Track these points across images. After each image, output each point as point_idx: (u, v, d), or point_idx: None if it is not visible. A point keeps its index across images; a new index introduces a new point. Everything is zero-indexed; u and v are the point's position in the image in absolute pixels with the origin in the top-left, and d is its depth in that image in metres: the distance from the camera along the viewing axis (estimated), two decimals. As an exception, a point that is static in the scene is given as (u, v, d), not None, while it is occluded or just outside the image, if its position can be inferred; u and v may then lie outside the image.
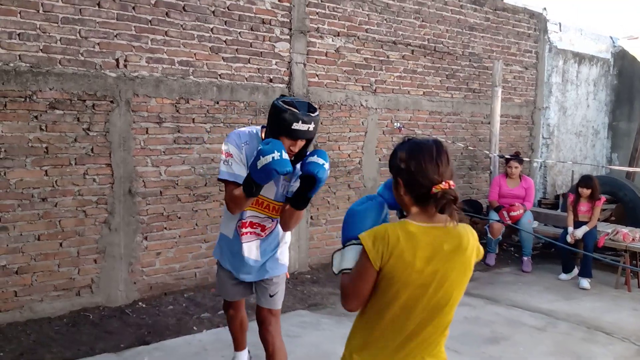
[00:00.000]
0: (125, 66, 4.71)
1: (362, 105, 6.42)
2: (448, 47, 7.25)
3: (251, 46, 5.39)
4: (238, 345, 3.44)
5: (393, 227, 1.76)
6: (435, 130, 7.26)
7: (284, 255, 3.14)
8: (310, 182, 2.70)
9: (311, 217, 6.06)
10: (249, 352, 3.54)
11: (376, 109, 6.57)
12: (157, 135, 4.93)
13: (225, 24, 5.20)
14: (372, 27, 6.38)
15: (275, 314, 3.09)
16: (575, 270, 6.06)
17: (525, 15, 8.23)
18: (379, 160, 6.66)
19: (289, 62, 5.70)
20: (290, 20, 5.64)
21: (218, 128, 5.25)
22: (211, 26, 5.12)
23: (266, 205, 2.97)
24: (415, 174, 1.78)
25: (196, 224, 5.22)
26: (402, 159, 1.83)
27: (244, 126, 5.33)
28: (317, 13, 5.86)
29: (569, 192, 6.65)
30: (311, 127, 2.77)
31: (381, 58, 6.54)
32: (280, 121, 2.69)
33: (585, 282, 5.80)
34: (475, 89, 7.67)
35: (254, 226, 3.01)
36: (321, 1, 5.87)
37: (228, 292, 3.22)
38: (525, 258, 6.48)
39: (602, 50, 9.81)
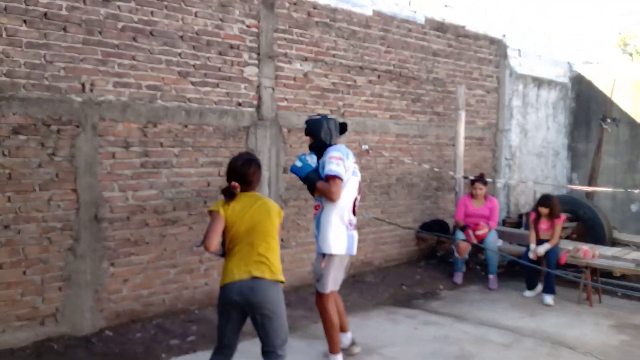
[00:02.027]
0: (91, 90, 4.68)
1: (330, 128, 6.50)
2: (413, 72, 7.45)
3: (220, 70, 5.44)
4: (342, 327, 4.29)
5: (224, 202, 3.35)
6: (402, 152, 7.41)
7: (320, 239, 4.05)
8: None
9: (281, 240, 6.05)
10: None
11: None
12: (124, 160, 4.89)
13: (194, 49, 5.24)
14: (339, 53, 6.53)
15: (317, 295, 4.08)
16: (539, 287, 6.22)
17: (486, 42, 8.55)
18: (348, 182, 6.72)
19: (258, 87, 5.76)
20: (258, 46, 5.72)
21: (187, 152, 5.25)
22: (179, 51, 5.15)
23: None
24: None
25: (165, 249, 5.16)
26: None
27: (213, 149, 5.38)
28: (285, 39, 5.97)
29: (530, 211, 6.85)
30: (306, 126, 4.22)
31: (348, 82, 6.67)
32: None
33: (548, 299, 5.95)
34: (440, 113, 7.89)
35: (314, 208, 4.17)
36: (289, 27, 5.99)
37: None
38: (491, 276, 6.61)
39: (560, 75, 10.24)
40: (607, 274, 6.38)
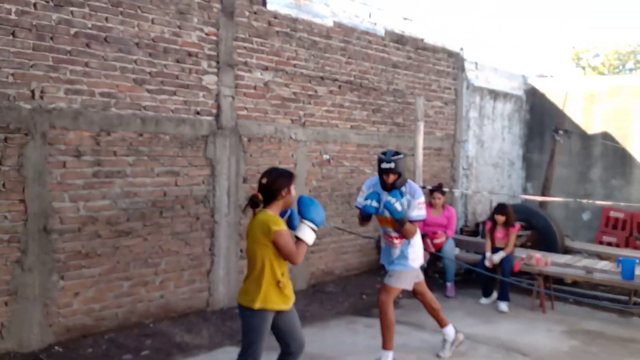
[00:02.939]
0: (41, 97, 4.52)
1: (291, 138, 6.50)
2: (373, 83, 7.54)
3: (177, 78, 5.35)
4: (443, 322, 4.78)
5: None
6: (363, 162, 7.46)
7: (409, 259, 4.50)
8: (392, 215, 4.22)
9: (241, 250, 5.98)
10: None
11: (305, 141, 6.67)
12: (76, 169, 4.73)
13: (150, 56, 5.15)
14: (300, 63, 6.53)
15: (387, 289, 4.46)
16: (495, 295, 6.34)
17: (444, 55, 8.74)
18: (309, 191, 6.73)
19: (217, 95, 5.70)
20: (217, 54, 5.66)
21: (142, 161, 5.13)
22: (135, 57, 5.05)
23: (393, 223, 4.35)
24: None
25: (118, 262, 5.01)
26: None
27: (170, 158, 5.28)
28: (245, 47, 5.94)
29: (486, 220, 6.99)
30: (392, 165, 4.22)
31: (309, 92, 6.68)
32: (378, 164, 4.32)
33: (503, 306, 6.07)
34: (399, 123, 7.99)
35: (395, 238, 4.45)
36: (249, 36, 5.96)
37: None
38: (448, 284, 6.71)
39: (515, 88, 10.56)
40: (559, 281, 6.57)
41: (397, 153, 4.31)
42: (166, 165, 5.30)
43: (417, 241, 4.53)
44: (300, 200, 3.37)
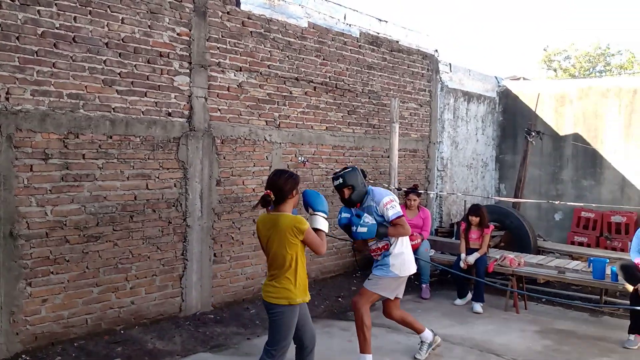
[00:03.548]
0: (7, 99, 4.38)
1: (266, 139, 6.44)
2: (349, 84, 7.53)
3: (148, 79, 5.25)
4: (419, 329, 4.72)
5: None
6: (339, 163, 7.43)
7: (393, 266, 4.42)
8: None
9: (214, 255, 5.90)
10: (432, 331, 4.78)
11: (280, 143, 6.62)
12: (43, 173, 4.60)
13: (120, 56, 5.03)
14: (274, 64, 6.48)
15: (362, 291, 4.43)
16: (469, 295, 6.39)
17: (418, 57, 8.79)
18: (283, 194, 6.66)
19: (189, 96, 5.60)
20: (189, 54, 5.57)
21: (111, 164, 5.01)
22: (104, 58, 4.93)
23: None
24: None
25: (87, 267, 4.88)
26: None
27: (140, 161, 5.17)
28: (218, 48, 5.86)
29: (461, 221, 7.04)
30: (340, 180, 4.37)
31: (284, 94, 6.63)
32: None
33: (478, 307, 6.12)
34: (375, 125, 8.00)
35: (377, 250, 4.46)
36: (222, 36, 5.88)
37: None
38: (423, 285, 6.73)
39: (489, 90, 10.68)
40: (532, 281, 6.65)
41: (345, 168, 4.49)
42: (137, 168, 5.19)
43: (402, 249, 4.44)
44: (306, 194, 3.61)
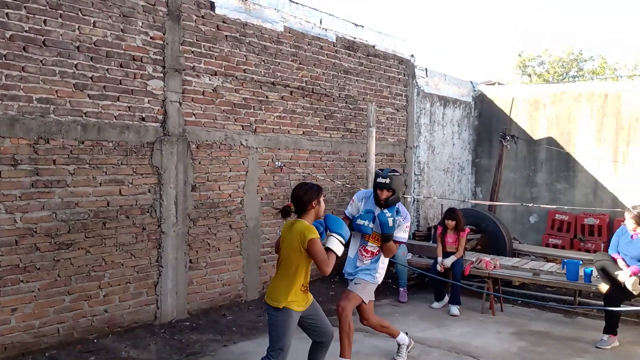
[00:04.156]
0: (-27, 103, 4.26)
1: (242, 144, 6.40)
2: (325, 89, 7.53)
3: (120, 83, 5.17)
4: (394, 333, 4.75)
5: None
6: (316, 168, 7.43)
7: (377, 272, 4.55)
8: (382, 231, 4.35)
9: (190, 261, 5.82)
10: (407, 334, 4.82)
11: (257, 148, 6.58)
12: (12, 179, 4.48)
13: (92, 60, 4.95)
14: (250, 68, 6.45)
15: (351, 296, 4.42)
16: (447, 298, 6.43)
17: (395, 61, 8.84)
18: (261, 199, 6.64)
19: (163, 101, 5.54)
20: (163, 58, 5.51)
21: (83, 170, 4.91)
22: (75, 62, 4.84)
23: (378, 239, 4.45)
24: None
25: (58, 275, 4.77)
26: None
27: (113, 167, 5.09)
28: (193, 52, 5.81)
29: (437, 225, 7.09)
30: (387, 180, 4.36)
31: (260, 98, 6.60)
32: (374, 179, 4.49)
33: (455, 309, 6.16)
34: (352, 129, 8.02)
35: (370, 252, 4.51)
36: (196, 40, 5.83)
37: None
38: (401, 289, 6.75)
39: (464, 94, 10.81)
40: (508, 283, 6.72)
41: (394, 170, 4.49)
42: (109, 174, 5.10)
43: (386, 260, 4.61)
44: (327, 218, 3.73)
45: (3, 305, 4.45)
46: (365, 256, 4.54)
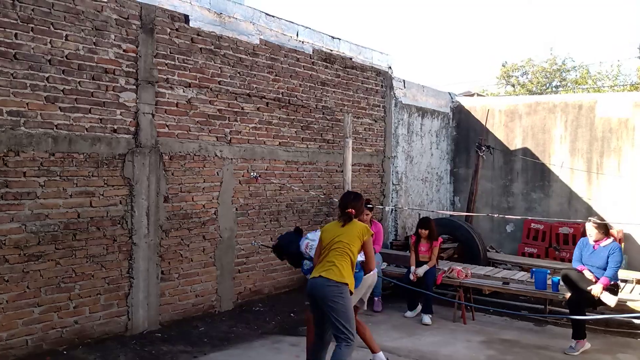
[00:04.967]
0: (-59, 116, 4.28)
1: (216, 155, 6.44)
2: (302, 100, 7.61)
3: (92, 96, 5.21)
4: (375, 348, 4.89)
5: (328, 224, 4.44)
6: (292, 178, 7.49)
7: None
8: None
9: (162, 272, 5.84)
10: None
11: (232, 159, 6.63)
12: (-20, 191, 4.50)
13: (63, 73, 4.99)
14: (225, 80, 6.51)
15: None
16: (419, 307, 6.49)
17: (372, 73, 8.96)
18: (236, 209, 6.68)
19: (136, 113, 5.58)
20: (136, 70, 5.56)
21: (53, 182, 4.93)
22: (46, 75, 4.87)
23: None
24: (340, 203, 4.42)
25: (27, 287, 4.77)
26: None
27: (84, 178, 5.11)
28: (166, 64, 5.86)
29: (411, 234, 7.17)
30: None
31: (236, 109, 6.67)
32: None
33: (427, 318, 6.23)
34: (329, 140, 8.10)
35: None
36: (170, 52, 5.89)
37: None
38: (375, 299, 6.81)
39: (442, 105, 10.96)
40: (481, 291, 6.81)
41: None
42: (80, 186, 5.12)
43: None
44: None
45: (-30, 318, 4.45)
46: None
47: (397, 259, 7.75)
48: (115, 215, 5.38)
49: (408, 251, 8.19)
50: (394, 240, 9.17)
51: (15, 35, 4.69)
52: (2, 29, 4.60)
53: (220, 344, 5.37)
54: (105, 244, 5.30)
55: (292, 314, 6.50)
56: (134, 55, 5.54)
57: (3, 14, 4.58)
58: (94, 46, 5.21)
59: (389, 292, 7.41)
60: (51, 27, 4.91)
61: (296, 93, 7.53)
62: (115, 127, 5.40)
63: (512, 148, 10.51)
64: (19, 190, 4.73)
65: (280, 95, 7.29)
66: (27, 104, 4.77)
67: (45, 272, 4.89)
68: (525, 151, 10.35)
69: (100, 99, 5.27)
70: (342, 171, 7.88)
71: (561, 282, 5.86)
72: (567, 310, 6.19)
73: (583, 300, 5.37)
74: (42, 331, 4.89)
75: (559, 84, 28.78)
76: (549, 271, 6.28)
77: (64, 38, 5.00)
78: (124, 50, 5.45)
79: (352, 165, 7.70)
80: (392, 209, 9.39)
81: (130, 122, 5.53)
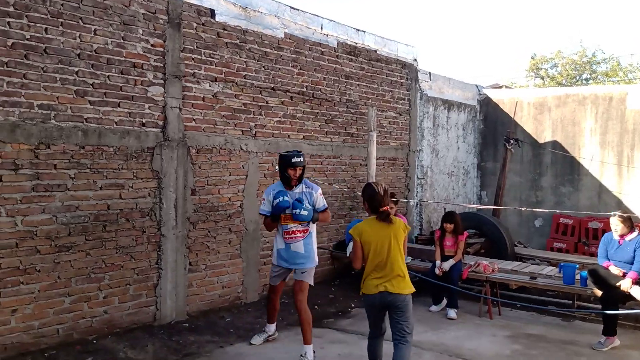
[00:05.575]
0: (-24, 110, 4.41)
1: (242, 149, 6.49)
2: (326, 94, 7.60)
3: (121, 90, 5.30)
4: (270, 319, 5.25)
5: (361, 222, 4.12)
6: (317, 172, 7.50)
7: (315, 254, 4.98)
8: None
9: (190, 263, 5.92)
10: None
11: (257, 152, 6.67)
12: (13, 183, 4.62)
13: (92, 67, 5.08)
14: (250, 74, 6.55)
15: (304, 287, 4.84)
16: (444, 302, 6.44)
17: (397, 66, 8.89)
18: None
19: (164, 107, 5.65)
20: (164, 65, 5.63)
21: (84, 174, 5.04)
22: (76, 69, 4.97)
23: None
24: (372, 200, 4.09)
25: (58, 277, 4.90)
26: (366, 192, 4.16)
27: (114, 171, 5.21)
28: (193, 59, 5.92)
29: (436, 229, 7.11)
30: (301, 159, 4.82)
31: (260, 103, 6.70)
32: (285, 160, 4.79)
33: (452, 313, 6.17)
34: (353, 134, 8.08)
35: (298, 232, 4.84)
36: (197, 47, 5.95)
37: (272, 279, 5.07)
38: (400, 293, 6.76)
39: (469, 98, 10.81)
40: (508, 286, 6.70)
41: (298, 151, 5.06)
42: (110, 178, 5.22)
43: (314, 239, 4.97)
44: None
45: (3, 307, 4.58)
46: (298, 237, 4.83)
47: (422, 253, 7.69)
48: (144, 207, 5.48)
49: (433, 245, 8.14)
50: (419, 234, 9.10)
51: (46, 30, 4.79)
52: (33, 24, 4.71)
53: (246, 334, 5.42)
54: (135, 235, 5.40)
55: (315, 306, 6.51)
56: (162, 49, 5.61)
57: (33, 9, 4.69)
58: (122, 41, 5.30)
59: (414, 285, 7.34)
60: (80, 21, 5.01)
61: (320, 86, 7.52)
62: (144, 120, 5.48)
63: (540, 141, 10.31)
64: (50, 182, 4.85)
65: (305, 89, 7.29)
66: (57, 97, 4.88)
67: (75, 262, 5.00)
68: (555, 144, 10.14)
69: (129, 93, 5.35)
70: (366, 165, 7.87)
71: (589, 278, 5.73)
72: (595, 306, 6.09)
73: (614, 296, 5.25)
74: (73, 320, 5.01)
75: (589, 76, 28.11)
76: (577, 266, 6.15)
77: (93, 32, 5.09)
78: (151, 45, 5.52)
79: (377, 159, 7.68)
80: (416, 204, 9.32)
81: (159, 116, 5.60)
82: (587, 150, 9.82)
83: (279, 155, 4.97)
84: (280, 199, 4.70)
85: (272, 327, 5.29)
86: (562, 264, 6.33)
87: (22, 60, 4.65)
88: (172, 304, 5.73)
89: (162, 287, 5.64)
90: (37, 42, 4.74)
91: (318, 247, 7.14)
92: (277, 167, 6.90)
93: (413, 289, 4.09)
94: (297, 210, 4.67)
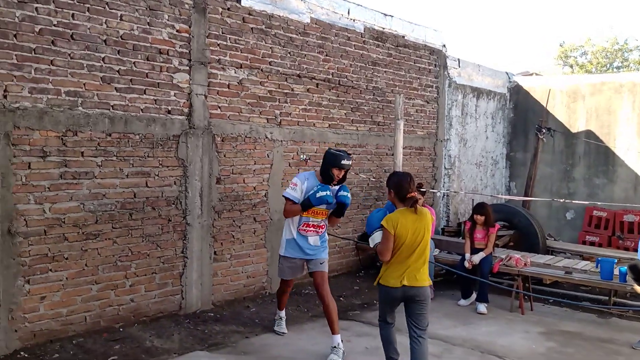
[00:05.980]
0: (4, 97, 4.39)
1: (267, 137, 6.39)
2: (352, 81, 7.44)
3: (147, 77, 5.23)
4: (281, 306, 5.24)
5: (394, 213, 3.95)
6: (343, 161, 7.35)
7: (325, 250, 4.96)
8: (341, 206, 4.73)
9: (215, 253, 5.87)
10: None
11: (282, 141, 6.57)
12: (41, 170, 4.60)
13: (119, 54, 5.02)
14: (275, 60, 6.43)
15: (325, 277, 4.81)
16: (474, 296, 6.27)
17: (425, 52, 8.66)
18: (286, 192, 6.61)
19: (189, 94, 5.58)
20: (189, 51, 5.54)
21: (110, 162, 5.00)
22: (102, 55, 4.92)
23: (323, 213, 4.79)
24: (400, 187, 4.00)
25: (86, 265, 4.89)
26: (392, 180, 4.13)
27: (140, 159, 5.17)
28: (219, 45, 5.82)
29: (466, 220, 6.93)
30: (350, 162, 4.73)
31: (286, 91, 6.58)
32: (335, 160, 4.64)
33: (482, 307, 6.01)
34: (379, 122, 7.91)
35: (319, 227, 4.83)
36: (222, 33, 5.84)
37: (286, 274, 4.94)
38: (428, 286, 6.62)
39: (499, 85, 10.51)
40: (540, 281, 6.51)
41: (349, 153, 4.92)
42: (136, 166, 5.18)
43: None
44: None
45: (32, 294, 4.59)
46: (318, 232, 4.79)
47: (449, 246, 7.53)
48: (170, 196, 5.43)
49: (461, 237, 7.96)
50: (445, 226, 8.91)
51: (72, 15, 4.73)
52: (60, 9, 4.66)
53: (271, 325, 5.35)
54: (161, 223, 5.36)
55: (341, 298, 6.42)
56: (187, 35, 5.52)
57: (61, -5, 4.64)
58: (148, 26, 5.22)
59: (440, 279, 7.21)
60: (106, 7, 4.94)
61: (346, 73, 7.36)
62: (170, 108, 5.41)
63: (573, 130, 9.98)
64: (77, 169, 4.82)
65: (331, 76, 7.15)
66: (84, 84, 4.84)
67: (102, 250, 4.99)
68: (589, 134, 9.80)
69: (154, 79, 5.29)
70: (392, 154, 7.69)
71: (629, 274, 5.50)
72: (634, 302, 5.86)
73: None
74: (100, 308, 5.01)
75: (620, 64, 27.24)
76: (615, 260, 5.92)
77: (119, 18, 5.03)
78: (177, 31, 5.44)
79: (403, 148, 7.46)
80: (443, 194, 9.12)
81: (184, 103, 5.53)
82: (623, 140, 9.47)
83: (327, 151, 4.75)
84: (324, 193, 4.55)
85: (283, 313, 5.30)
86: (599, 258, 6.10)
87: (49, 47, 4.61)
88: (197, 293, 5.69)
89: (187, 276, 5.61)
90: (64, 28, 4.69)
91: (343, 238, 7.12)
92: (302, 157, 6.83)
93: (431, 281, 4.13)
94: (345, 193, 4.65)
